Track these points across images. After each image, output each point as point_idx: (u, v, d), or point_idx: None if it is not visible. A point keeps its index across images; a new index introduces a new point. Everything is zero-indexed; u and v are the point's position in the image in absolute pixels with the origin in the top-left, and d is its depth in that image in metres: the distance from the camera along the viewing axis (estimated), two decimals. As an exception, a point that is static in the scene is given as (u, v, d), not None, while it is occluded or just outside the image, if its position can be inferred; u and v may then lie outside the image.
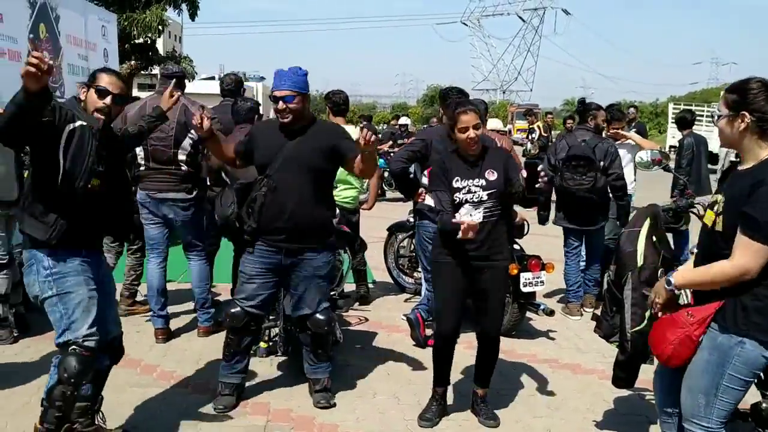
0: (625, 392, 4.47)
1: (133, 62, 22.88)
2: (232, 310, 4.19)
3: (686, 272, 2.96)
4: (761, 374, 3.36)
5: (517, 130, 44.51)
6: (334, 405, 4.29)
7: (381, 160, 13.41)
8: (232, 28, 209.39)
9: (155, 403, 4.26)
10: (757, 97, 2.72)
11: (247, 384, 4.51)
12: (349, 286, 6.54)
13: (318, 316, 4.24)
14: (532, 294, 5.62)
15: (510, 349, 5.39)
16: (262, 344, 5.06)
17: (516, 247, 5.71)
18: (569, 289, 6.53)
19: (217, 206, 4.40)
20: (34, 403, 4.02)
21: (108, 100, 3.39)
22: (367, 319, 6.18)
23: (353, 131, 6.31)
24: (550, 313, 5.62)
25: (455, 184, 3.88)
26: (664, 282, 3.00)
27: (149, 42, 24.43)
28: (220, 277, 6.63)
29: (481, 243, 3.87)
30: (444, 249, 3.98)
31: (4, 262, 5.16)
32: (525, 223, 5.83)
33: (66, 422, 3.29)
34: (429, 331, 5.40)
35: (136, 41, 23.39)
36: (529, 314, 5.94)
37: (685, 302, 3.33)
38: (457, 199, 3.88)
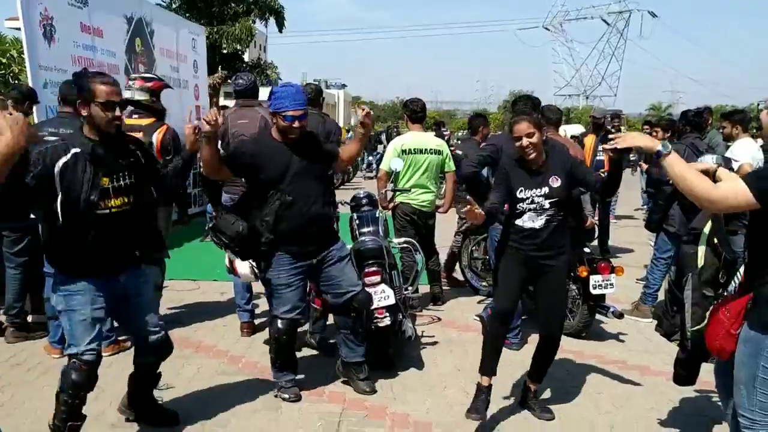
0: (692, 393, 4.56)
1: (220, 72, 23.77)
2: (279, 326, 4.36)
3: (681, 161, 2.93)
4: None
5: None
6: (375, 390, 4.59)
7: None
8: (315, 36, 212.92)
9: (240, 391, 4.59)
10: None
11: (324, 374, 4.83)
12: (425, 288, 6.80)
13: (360, 295, 4.51)
14: (602, 296, 5.72)
15: (579, 350, 5.51)
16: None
17: (586, 250, 5.83)
18: (648, 293, 6.55)
19: (224, 227, 4.30)
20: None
21: (117, 111, 3.43)
22: (440, 319, 6.39)
23: (429, 138, 6.57)
24: (620, 315, 5.69)
25: (519, 195, 4.01)
26: (656, 145, 2.98)
27: (236, 52, 25.30)
28: (205, 274, 7.05)
29: (540, 245, 4.03)
30: (507, 245, 4.16)
31: None
32: (595, 226, 5.93)
33: (70, 422, 3.54)
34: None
35: (224, 52, 24.28)
36: (599, 317, 6.03)
37: (733, 287, 3.39)
38: (520, 209, 4.03)
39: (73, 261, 3.47)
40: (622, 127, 15.53)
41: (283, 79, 29.01)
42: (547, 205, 4.01)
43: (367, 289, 4.80)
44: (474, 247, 7.31)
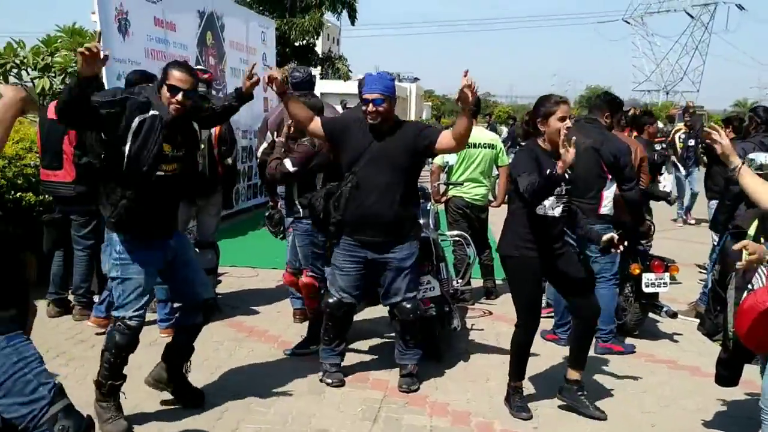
0: (741, 395, 4.48)
1: (291, 64, 24.14)
2: (330, 300, 4.50)
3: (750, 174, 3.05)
4: None
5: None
6: (417, 389, 4.54)
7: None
8: (389, 29, 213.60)
9: (287, 373, 4.74)
10: None
11: (371, 361, 4.94)
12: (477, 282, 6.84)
13: (404, 304, 4.45)
14: (655, 295, 5.64)
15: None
16: None
17: (639, 248, 5.75)
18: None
19: (273, 216, 5.22)
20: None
21: (180, 96, 3.66)
22: (491, 313, 6.41)
23: (482, 132, 6.58)
24: (674, 315, 5.60)
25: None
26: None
27: (308, 44, 25.65)
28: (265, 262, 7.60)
29: (557, 235, 4.08)
30: (523, 242, 4.09)
31: None
32: (651, 226, 5.86)
33: (110, 380, 3.77)
34: (548, 326, 5.59)
35: (296, 44, 24.65)
36: (654, 316, 5.96)
37: (762, 284, 3.34)
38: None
39: (132, 221, 3.71)
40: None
41: (353, 72, 29.26)
42: (564, 191, 4.03)
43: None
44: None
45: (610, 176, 5.15)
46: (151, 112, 3.64)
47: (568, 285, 4.25)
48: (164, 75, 3.73)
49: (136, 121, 3.60)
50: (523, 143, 7.68)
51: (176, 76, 3.69)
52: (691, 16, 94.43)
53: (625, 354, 5.34)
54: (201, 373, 4.62)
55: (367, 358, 5.13)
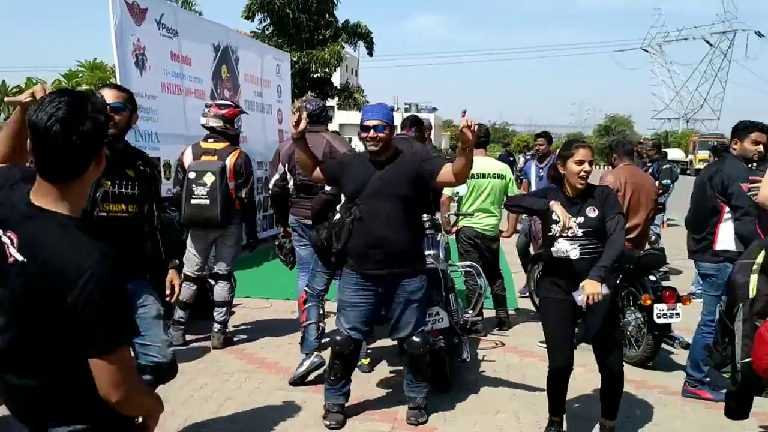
0: (755, 427, 4.41)
1: (309, 95, 24.44)
2: (339, 338, 4.44)
3: None
4: None
5: (699, 160, 42.39)
6: (425, 422, 4.50)
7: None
8: (407, 59, 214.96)
9: (296, 406, 4.74)
10: None
11: (378, 395, 4.92)
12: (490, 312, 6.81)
13: (414, 338, 4.42)
14: (668, 326, 5.58)
15: (642, 379, 5.40)
16: (364, 361, 5.43)
17: (651, 278, 5.71)
18: None
19: (283, 245, 5.36)
20: (196, 398, 4.66)
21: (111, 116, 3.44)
22: (503, 344, 6.37)
23: (492, 162, 6.62)
24: (686, 346, 5.52)
25: (553, 216, 3.97)
26: None
27: (326, 76, 25.97)
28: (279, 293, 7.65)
29: (577, 275, 3.90)
30: (550, 284, 4.09)
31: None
32: (662, 256, 5.82)
33: None
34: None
35: (314, 76, 24.96)
36: (667, 347, 5.89)
37: None
38: (552, 231, 4.00)
39: None
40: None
41: (370, 102, 29.50)
42: (580, 233, 3.96)
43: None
44: (540, 272, 7.24)
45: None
46: None
47: (594, 333, 4.10)
48: None
49: None
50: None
51: (104, 92, 3.73)
52: (710, 44, 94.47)
53: (715, 401, 4.79)
54: (209, 404, 4.64)
55: (375, 389, 5.11)
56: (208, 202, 5.73)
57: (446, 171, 4.19)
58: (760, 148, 4.87)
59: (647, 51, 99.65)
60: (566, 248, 3.96)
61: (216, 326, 6.02)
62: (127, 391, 1.89)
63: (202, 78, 9.31)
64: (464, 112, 3.87)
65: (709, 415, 4.77)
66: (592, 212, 3.99)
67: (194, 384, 5.06)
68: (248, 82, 10.73)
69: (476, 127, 3.85)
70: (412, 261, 4.40)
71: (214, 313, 6.04)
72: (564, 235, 3.96)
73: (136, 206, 3.75)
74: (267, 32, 25.51)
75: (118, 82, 7.77)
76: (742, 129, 4.96)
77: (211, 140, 5.94)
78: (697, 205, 5.09)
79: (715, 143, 10.51)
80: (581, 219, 3.97)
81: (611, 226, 3.96)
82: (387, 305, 4.46)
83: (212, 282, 6.24)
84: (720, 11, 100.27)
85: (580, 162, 3.98)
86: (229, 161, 5.80)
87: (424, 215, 6.03)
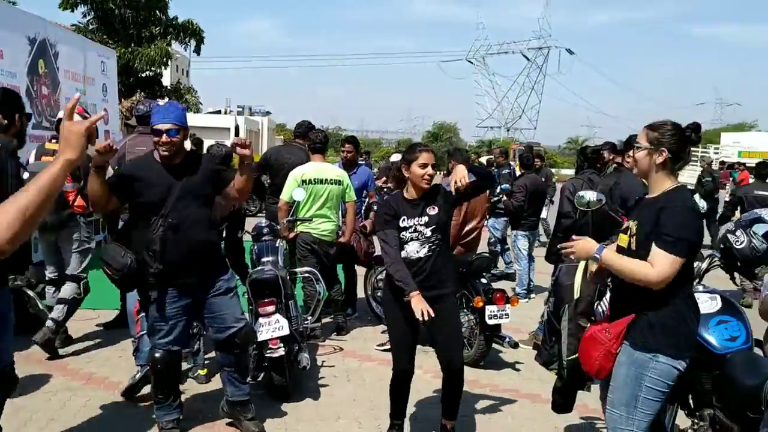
0: (578, 420, 4.71)
1: (138, 96, 23.40)
2: (157, 356, 4.20)
3: (614, 254, 3.15)
4: (690, 402, 3.63)
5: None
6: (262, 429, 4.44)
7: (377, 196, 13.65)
8: (240, 62, 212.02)
9: (129, 424, 4.50)
10: (673, 138, 3.09)
11: (217, 406, 4.76)
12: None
13: (246, 329, 4.37)
14: (498, 326, 5.85)
15: (474, 379, 5.60)
16: (201, 372, 5.30)
17: (483, 281, 5.96)
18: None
19: (110, 259, 4.13)
20: (13, 422, 4.28)
21: None
22: (342, 349, 6.39)
23: (329, 168, 6.64)
24: (515, 345, 5.84)
25: (402, 224, 4.07)
26: (594, 250, 3.17)
27: (155, 75, 24.97)
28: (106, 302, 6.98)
29: (427, 275, 4.05)
30: (393, 286, 4.10)
31: None
32: (492, 258, 6.08)
33: None
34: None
35: (142, 75, 23.93)
36: (497, 347, 6.17)
37: (602, 312, 3.56)
38: (404, 237, 4.08)
39: None
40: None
41: (203, 104, 28.79)
42: (429, 233, 4.08)
43: (261, 319, 4.80)
44: (378, 276, 7.36)
45: None
46: None
47: (441, 333, 4.16)
48: None
49: None
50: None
51: None
52: (527, 58, 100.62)
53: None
54: (29, 428, 4.29)
55: (213, 400, 4.92)
56: None
57: (231, 186, 4.24)
58: None
59: (471, 62, 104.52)
60: (416, 249, 4.06)
61: (49, 322, 5.67)
62: None
63: (16, 73, 8.59)
64: (237, 128, 3.91)
65: (536, 410, 5.04)
66: (432, 210, 4.11)
67: (11, 406, 4.64)
68: (69, 79, 10.04)
69: (249, 142, 3.98)
70: (219, 256, 4.41)
71: (54, 311, 5.75)
72: (415, 238, 4.06)
73: None
74: (91, 27, 24.12)
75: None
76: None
77: (55, 141, 5.77)
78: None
79: (522, 152, 11.47)
80: (425, 218, 4.09)
81: None
82: (205, 306, 4.29)
83: (50, 288, 6.11)
84: (536, 28, 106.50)
85: (424, 165, 4.07)
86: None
87: (263, 221, 5.98)
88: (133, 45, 23.52)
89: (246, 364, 4.49)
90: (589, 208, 4.45)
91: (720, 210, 11.31)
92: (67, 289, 5.87)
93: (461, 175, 3.96)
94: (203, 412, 4.72)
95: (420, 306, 3.78)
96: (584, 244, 3.23)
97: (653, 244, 2.96)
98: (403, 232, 4.09)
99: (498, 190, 9.23)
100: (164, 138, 4.02)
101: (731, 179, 22.02)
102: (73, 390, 5.03)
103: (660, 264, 2.93)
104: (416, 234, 4.07)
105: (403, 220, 4.09)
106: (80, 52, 10.66)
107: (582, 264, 3.77)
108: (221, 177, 4.27)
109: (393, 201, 4.22)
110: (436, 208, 4.12)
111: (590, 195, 4.55)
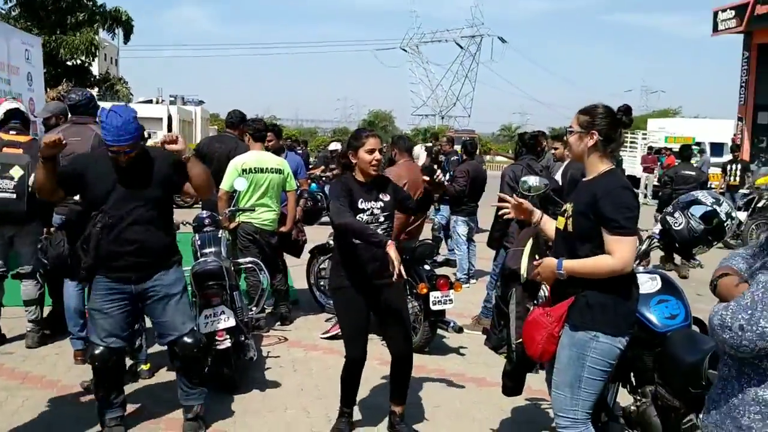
0: (523, 402, 4.79)
1: (65, 85, 22.61)
2: (96, 352, 4.06)
3: (574, 261, 3.18)
4: (632, 379, 3.73)
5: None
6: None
7: (313, 185, 13.60)
8: (171, 50, 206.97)
9: (69, 423, 4.38)
10: (604, 120, 3.17)
11: (161, 401, 4.67)
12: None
13: (185, 339, 4.18)
14: (442, 312, 5.90)
15: (421, 364, 5.63)
16: (144, 366, 5.18)
17: (426, 267, 6.00)
18: (488, 307, 6.72)
19: (47, 248, 4.28)
20: None
21: None
22: (286, 339, 6.35)
23: (269, 157, 6.56)
24: (459, 329, 5.90)
25: (360, 205, 4.07)
26: (554, 265, 3.20)
27: (82, 64, 24.22)
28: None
29: (381, 263, 3.98)
30: (343, 273, 4.13)
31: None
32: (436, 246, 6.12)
33: None
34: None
35: (69, 64, 23.17)
36: (442, 332, 6.22)
37: (544, 295, 3.64)
38: (360, 220, 4.05)
39: None
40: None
41: (134, 94, 28.12)
42: (382, 218, 4.13)
43: (206, 311, 4.72)
44: (321, 266, 7.33)
45: None
46: None
47: (389, 318, 4.20)
48: None
49: None
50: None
51: None
52: (461, 47, 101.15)
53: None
54: (-35, 430, 4.12)
55: (158, 395, 4.84)
56: (14, 196, 5.43)
57: (188, 186, 4.19)
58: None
59: (406, 50, 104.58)
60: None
61: (29, 325, 5.82)
62: None
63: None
64: (170, 119, 3.87)
65: (482, 393, 5.12)
66: (385, 197, 4.16)
67: None
68: (-7, 67, 9.67)
69: (176, 136, 4.01)
70: (165, 257, 4.19)
71: (25, 313, 5.84)
72: (371, 221, 4.06)
73: None
74: (13, 13, 23.20)
75: None
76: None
77: (13, 132, 5.65)
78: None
79: (467, 139, 11.74)
80: (381, 204, 4.12)
81: None
82: (148, 309, 4.21)
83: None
84: (469, 17, 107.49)
85: (371, 151, 4.08)
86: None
87: (204, 212, 5.87)
88: (58, 32, 22.72)
89: (193, 371, 4.30)
90: (531, 193, 4.51)
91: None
92: (30, 290, 5.78)
93: None
94: (147, 408, 4.63)
95: (396, 258, 3.72)
96: (546, 265, 3.26)
97: (605, 235, 3.02)
98: (360, 214, 4.07)
99: (447, 177, 9.30)
100: (122, 158, 3.92)
101: (659, 164, 22.81)
102: (10, 390, 4.85)
103: (618, 250, 3.00)
104: (372, 218, 4.10)
105: (361, 201, 4.09)
106: (3, 39, 10.24)
107: (528, 247, 3.83)
108: (173, 181, 4.15)
109: (347, 181, 4.19)
110: (388, 196, 4.16)
111: (533, 180, 4.62)
